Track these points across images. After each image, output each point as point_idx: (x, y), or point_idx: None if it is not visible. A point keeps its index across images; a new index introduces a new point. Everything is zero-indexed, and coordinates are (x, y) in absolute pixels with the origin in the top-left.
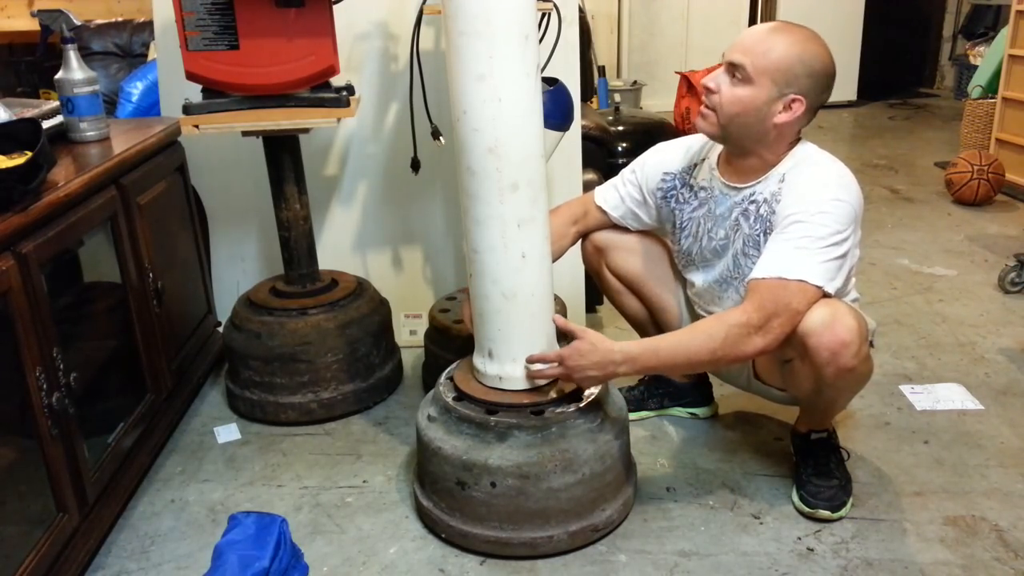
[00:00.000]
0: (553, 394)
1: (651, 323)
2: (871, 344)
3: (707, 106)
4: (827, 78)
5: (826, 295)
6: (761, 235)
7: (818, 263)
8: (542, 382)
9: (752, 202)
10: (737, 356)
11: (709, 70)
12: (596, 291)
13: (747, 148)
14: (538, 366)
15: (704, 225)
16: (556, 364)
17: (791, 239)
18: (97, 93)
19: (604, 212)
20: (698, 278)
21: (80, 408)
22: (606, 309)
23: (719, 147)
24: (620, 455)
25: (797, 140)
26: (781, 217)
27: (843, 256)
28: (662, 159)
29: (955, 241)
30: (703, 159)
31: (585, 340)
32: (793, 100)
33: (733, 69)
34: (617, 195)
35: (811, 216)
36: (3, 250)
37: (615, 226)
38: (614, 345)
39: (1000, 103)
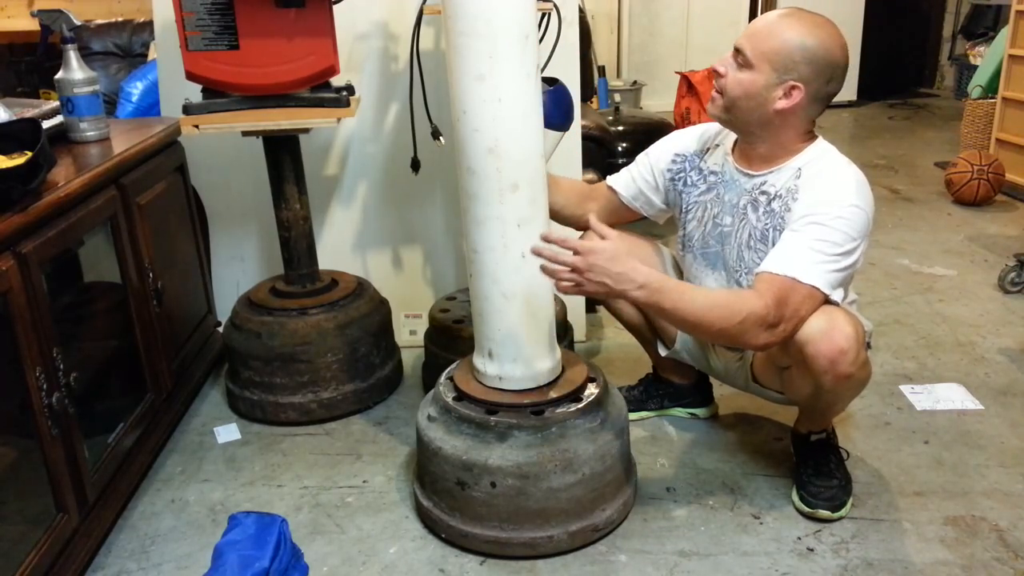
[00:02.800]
0: (553, 394)
1: (648, 328)
2: (868, 346)
3: (716, 90)
4: (830, 67)
5: (829, 302)
6: (771, 231)
7: (829, 271)
8: (550, 265)
9: (763, 192)
10: (740, 341)
11: (709, 70)
12: None
13: (753, 134)
14: (553, 248)
15: (710, 210)
16: (574, 252)
17: (807, 239)
18: (97, 93)
19: (615, 192)
20: (708, 281)
21: (80, 408)
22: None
23: (734, 134)
24: (620, 455)
25: (813, 136)
26: (797, 216)
27: (851, 266)
28: (674, 142)
29: (955, 241)
30: (717, 144)
31: (618, 245)
32: (792, 87)
33: (737, 54)
34: (628, 175)
35: (830, 220)
36: (3, 250)
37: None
38: (641, 265)
39: (1000, 103)
